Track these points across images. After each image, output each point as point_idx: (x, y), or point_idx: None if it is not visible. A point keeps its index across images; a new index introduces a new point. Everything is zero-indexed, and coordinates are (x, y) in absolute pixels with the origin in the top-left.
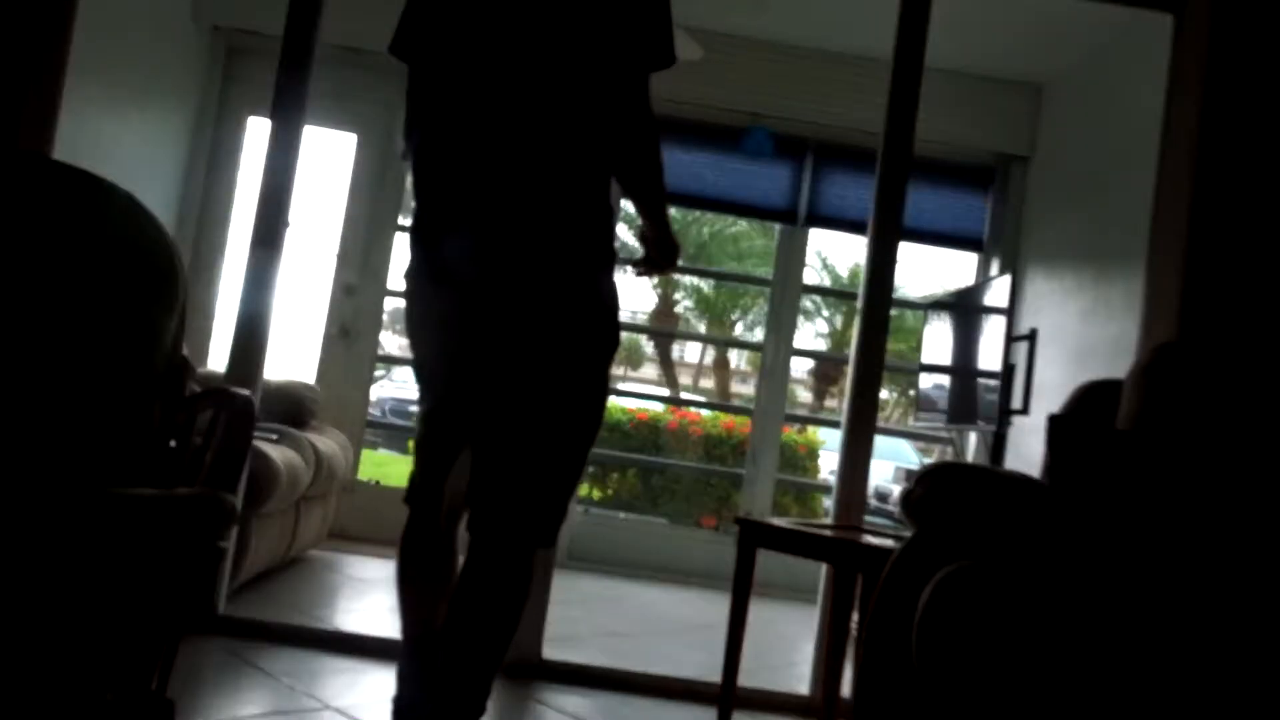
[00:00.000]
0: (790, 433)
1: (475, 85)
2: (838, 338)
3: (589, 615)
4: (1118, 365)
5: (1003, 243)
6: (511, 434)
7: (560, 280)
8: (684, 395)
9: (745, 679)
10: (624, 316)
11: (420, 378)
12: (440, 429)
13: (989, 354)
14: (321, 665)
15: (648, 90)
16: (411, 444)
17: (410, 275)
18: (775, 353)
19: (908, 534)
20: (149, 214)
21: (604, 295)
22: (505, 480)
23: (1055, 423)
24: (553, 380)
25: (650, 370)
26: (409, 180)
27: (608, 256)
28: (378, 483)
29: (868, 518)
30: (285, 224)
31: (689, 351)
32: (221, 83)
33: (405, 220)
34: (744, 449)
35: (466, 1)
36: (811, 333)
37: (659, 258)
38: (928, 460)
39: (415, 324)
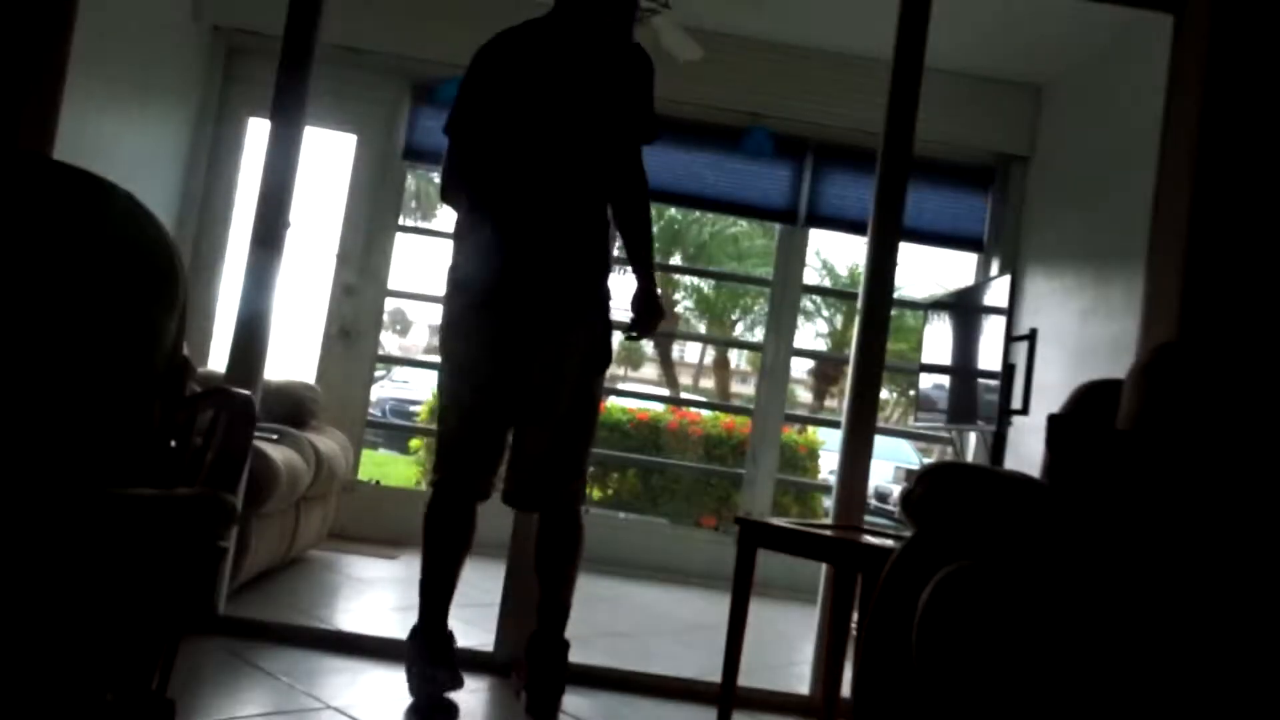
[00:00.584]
0: (790, 433)
1: (522, 162)
2: (838, 338)
3: (589, 615)
4: (1118, 365)
5: (1003, 243)
6: (554, 424)
7: (585, 307)
8: (684, 395)
9: (745, 679)
10: (625, 317)
11: (465, 381)
12: (482, 424)
13: (989, 354)
14: (321, 665)
15: (641, 160)
16: (414, 443)
17: (461, 301)
18: (775, 353)
19: (908, 534)
20: (149, 214)
21: (607, 321)
22: (556, 460)
23: (1055, 423)
24: (580, 380)
25: (650, 370)
26: (409, 182)
27: (607, 288)
28: (378, 483)
29: (868, 518)
30: (285, 224)
31: (689, 351)
32: (221, 83)
33: (405, 220)
34: (744, 449)
35: (513, 100)
36: (811, 333)
37: (644, 314)
38: (928, 460)
39: (466, 338)
